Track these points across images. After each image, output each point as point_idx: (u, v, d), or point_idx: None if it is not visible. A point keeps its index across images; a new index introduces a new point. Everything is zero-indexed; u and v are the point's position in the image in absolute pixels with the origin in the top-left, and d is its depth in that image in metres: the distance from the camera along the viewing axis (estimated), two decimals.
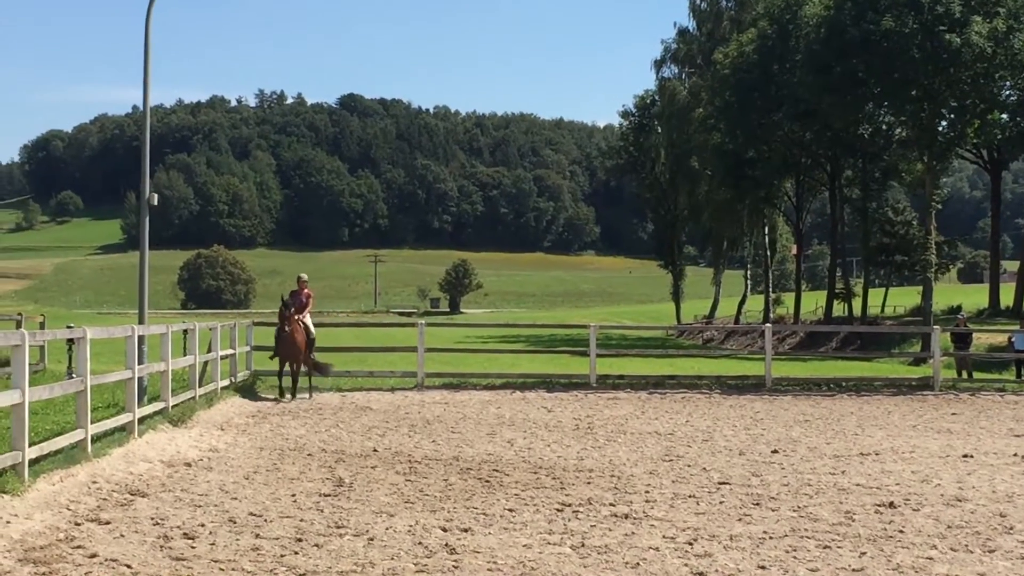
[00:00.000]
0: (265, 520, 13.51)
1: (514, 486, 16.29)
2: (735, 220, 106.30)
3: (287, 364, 30.62)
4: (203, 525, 13.17)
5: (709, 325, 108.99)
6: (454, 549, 12.02)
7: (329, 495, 15.36)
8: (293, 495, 15.31)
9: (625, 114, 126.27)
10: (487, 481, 16.73)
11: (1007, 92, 76.91)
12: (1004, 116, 77.83)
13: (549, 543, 12.40)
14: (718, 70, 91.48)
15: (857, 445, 21.76)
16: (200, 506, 14.39)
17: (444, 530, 13.05)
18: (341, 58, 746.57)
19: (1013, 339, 43.17)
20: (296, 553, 11.81)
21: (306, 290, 31.53)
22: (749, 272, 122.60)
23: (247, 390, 31.20)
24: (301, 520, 13.54)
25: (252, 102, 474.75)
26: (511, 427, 24.38)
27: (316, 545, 12.18)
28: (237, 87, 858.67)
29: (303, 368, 31.28)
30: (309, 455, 19.40)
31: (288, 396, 30.26)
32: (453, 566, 11.26)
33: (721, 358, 56.59)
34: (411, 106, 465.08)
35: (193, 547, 12.03)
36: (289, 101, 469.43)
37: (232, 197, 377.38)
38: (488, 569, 11.14)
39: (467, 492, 15.73)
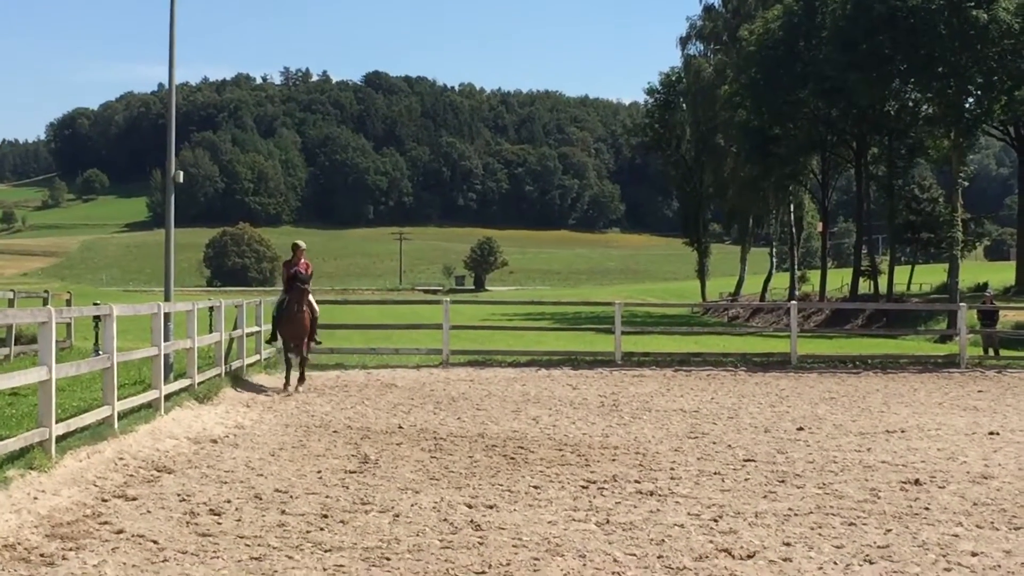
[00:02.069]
0: (291, 496, 13.55)
1: (539, 463, 16.30)
2: (760, 197, 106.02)
3: (292, 346, 27.28)
4: (229, 501, 13.21)
5: (735, 302, 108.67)
6: (479, 526, 12.04)
7: (355, 472, 15.39)
8: (319, 472, 15.35)
9: (650, 91, 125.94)
10: (512, 458, 16.75)
11: None
12: None
13: (574, 520, 12.42)
14: (743, 47, 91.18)
15: (883, 422, 21.73)
16: (226, 482, 14.44)
17: (469, 507, 13.07)
18: (366, 35, 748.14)
19: None
20: (322, 529, 11.84)
21: (304, 260, 27.21)
22: (775, 250, 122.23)
23: (274, 366, 31.21)
24: (327, 496, 13.57)
25: (277, 80, 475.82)
26: (536, 404, 24.39)
27: (342, 522, 12.22)
28: (263, 65, 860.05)
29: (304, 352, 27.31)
30: (335, 432, 19.44)
31: (291, 387, 26.65)
32: (478, 542, 11.28)
33: (747, 335, 56.51)
34: (436, 83, 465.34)
35: (219, 523, 12.07)
36: (314, 79, 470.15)
37: (257, 175, 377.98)
38: (513, 545, 11.16)
39: (492, 469, 15.75)
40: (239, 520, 12.23)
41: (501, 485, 14.47)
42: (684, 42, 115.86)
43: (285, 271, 27.28)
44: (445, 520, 12.31)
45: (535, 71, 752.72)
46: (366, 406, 23.37)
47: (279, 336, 27.68)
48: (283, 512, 12.66)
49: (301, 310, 26.46)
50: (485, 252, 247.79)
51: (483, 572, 10.17)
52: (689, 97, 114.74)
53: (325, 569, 10.26)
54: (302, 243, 27.70)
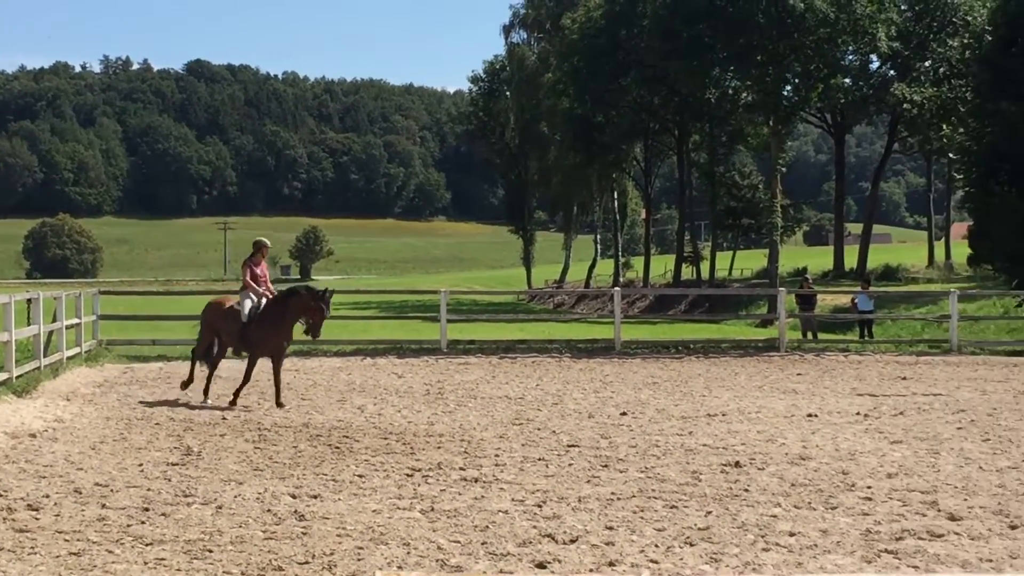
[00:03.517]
0: (111, 490, 13.36)
1: (364, 452, 16.27)
2: (585, 185, 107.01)
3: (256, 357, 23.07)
4: (48, 496, 12.99)
5: (560, 289, 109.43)
6: (303, 516, 11.98)
7: (177, 464, 15.22)
8: (140, 464, 15.14)
9: (475, 80, 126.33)
10: (337, 447, 16.70)
11: (850, 57, 78.24)
12: (847, 80, 78.97)
13: (399, 508, 12.42)
14: (566, 35, 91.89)
15: (704, 406, 22.04)
16: (45, 477, 14.18)
17: (293, 497, 13.00)
18: (187, 23, 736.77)
19: (856, 300, 43.92)
20: (143, 523, 11.69)
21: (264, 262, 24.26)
22: (599, 237, 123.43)
23: (95, 359, 30.69)
24: (148, 489, 13.41)
25: (97, 68, 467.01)
26: (362, 393, 24.35)
27: (163, 514, 12.08)
28: (82, 53, 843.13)
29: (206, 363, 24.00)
30: (157, 424, 19.20)
31: (207, 397, 22.93)
32: (302, 532, 11.23)
33: (571, 322, 56.87)
34: (259, 72, 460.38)
35: (37, 519, 11.87)
36: (135, 67, 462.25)
37: (78, 165, 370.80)
38: (337, 535, 11.13)
39: (317, 458, 15.68)
40: (58, 515, 12.04)
41: (326, 475, 14.41)
42: (508, 30, 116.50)
43: (248, 271, 23.69)
44: (269, 511, 12.23)
45: (359, 59, 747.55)
46: (189, 397, 23.08)
47: (254, 345, 22.98)
48: (103, 506, 12.48)
49: (294, 322, 23.09)
50: (311, 241, 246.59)
51: (306, 562, 10.13)
52: (513, 85, 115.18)
53: (146, 563, 10.13)
54: (267, 241, 24.95)
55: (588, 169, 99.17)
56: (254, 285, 23.24)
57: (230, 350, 24.56)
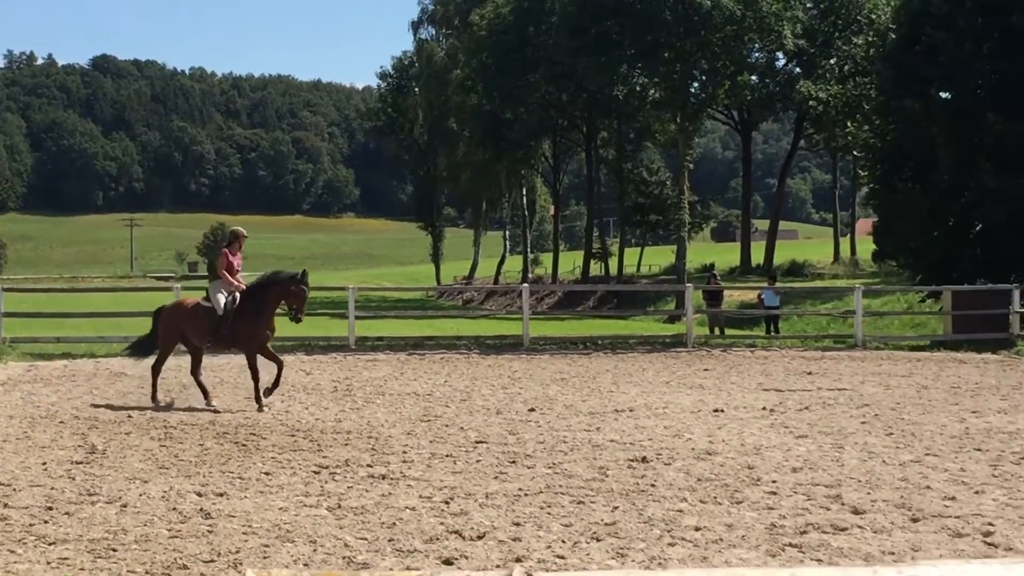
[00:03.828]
0: (14, 489, 13.19)
1: (271, 449, 16.19)
2: (493, 181, 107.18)
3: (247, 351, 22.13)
4: None
5: (469, 286, 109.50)
6: (209, 514, 11.89)
7: (81, 462, 15.05)
8: (44, 463, 14.96)
9: (383, 76, 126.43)
10: (244, 445, 16.60)
11: (756, 54, 79.02)
12: (753, 78, 79.77)
13: (305, 505, 12.37)
14: (475, 32, 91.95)
15: (612, 402, 22.12)
16: None
17: (199, 495, 12.89)
18: (93, 18, 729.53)
19: (763, 296, 44.25)
20: (46, 522, 11.56)
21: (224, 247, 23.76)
22: (508, 233, 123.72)
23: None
24: (52, 488, 13.25)
25: (0, 63, 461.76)
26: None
27: (67, 513, 11.94)
28: None
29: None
30: (61, 422, 18.99)
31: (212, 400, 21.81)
32: (208, 531, 11.15)
33: (480, 318, 56.99)
34: (166, 67, 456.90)
35: None
36: (39, 62, 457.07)
37: None
38: (243, 533, 11.06)
39: (223, 456, 15.58)
40: None
41: (232, 472, 14.31)
42: (416, 26, 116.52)
43: (225, 260, 22.82)
44: (174, 509, 12.13)
45: (267, 56, 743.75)
46: (94, 396, 22.87)
47: (243, 340, 21.98)
48: (5, 506, 12.32)
49: (275, 310, 22.32)
50: (218, 238, 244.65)
51: (212, 560, 10.07)
52: (422, 82, 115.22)
53: (49, 563, 10.03)
54: (243, 230, 24.49)
55: (497, 165, 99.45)
56: (228, 276, 22.41)
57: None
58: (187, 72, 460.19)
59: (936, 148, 44.30)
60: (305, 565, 9.91)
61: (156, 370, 22.39)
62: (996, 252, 44.66)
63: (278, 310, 22.36)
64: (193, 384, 22.12)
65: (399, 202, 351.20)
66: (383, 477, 14.03)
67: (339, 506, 12.32)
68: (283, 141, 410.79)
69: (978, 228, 45.80)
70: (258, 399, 21.18)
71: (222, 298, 22.06)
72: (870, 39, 72.39)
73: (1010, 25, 43.15)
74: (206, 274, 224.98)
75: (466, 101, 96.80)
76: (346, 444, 16.74)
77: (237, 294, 22.18)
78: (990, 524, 11.53)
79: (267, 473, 14.28)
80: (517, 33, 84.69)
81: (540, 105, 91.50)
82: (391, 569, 9.86)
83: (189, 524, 11.46)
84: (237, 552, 10.33)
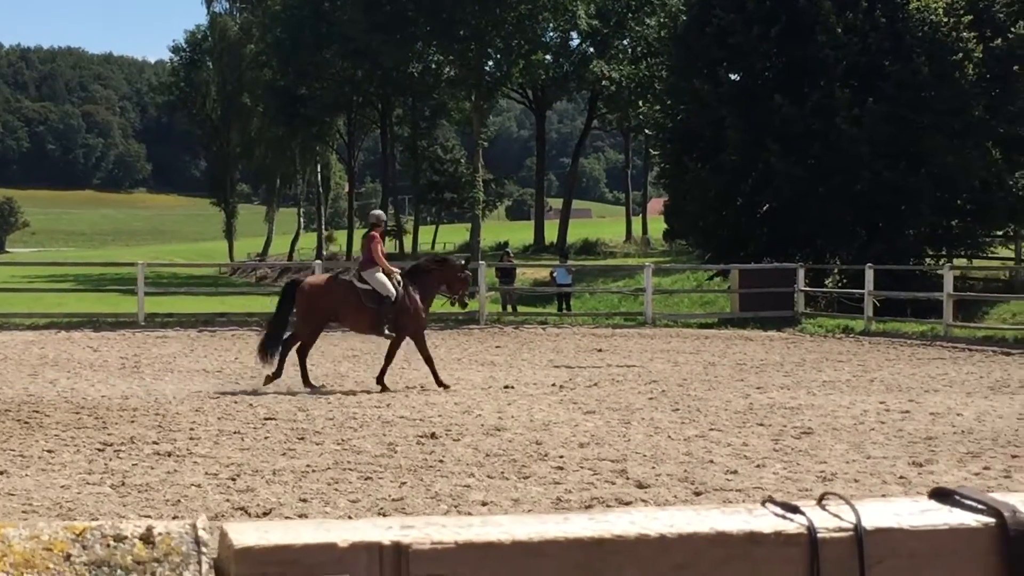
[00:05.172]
0: None
1: (55, 427, 15.88)
2: (288, 158, 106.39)
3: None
4: None
5: (262, 263, 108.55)
6: None
7: None
8: None
9: (176, 50, 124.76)
10: (26, 422, 16.25)
11: (551, 34, 79.39)
12: (547, 57, 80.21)
13: (88, 483, 12.16)
14: (269, 6, 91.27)
15: (403, 379, 22.15)
16: None
17: None
18: None
19: (555, 274, 44.72)
20: None
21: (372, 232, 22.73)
22: (303, 210, 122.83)
23: None
24: None
25: None
26: (55, 367, 23.79)
27: None
28: None
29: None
30: None
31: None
32: None
33: (272, 295, 56.47)
34: None
35: None
36: None
37: None
38: (23, 511, 10.84)
39: (4, 434, 15.22)
40: None
41: (13, 450, 14.00)
42: (209, 0, 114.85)
43: (379, 246, 22.22)
44: None
45: (56, 27, 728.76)
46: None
47: (412, 324, 21.82)
48: None
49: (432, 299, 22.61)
50: (5, 213, 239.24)
51: None
52: (215, 56, 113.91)
53: None
54: (383, 214, 24.17)
55: (291, 142, 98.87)
56: (387, 263, 21.98)
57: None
58: None
59: (725, 129, 45.05)
60: None
61: (303, 354, 21.36)
62: (782, 232, 45.63)
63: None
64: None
65: (192, 178, 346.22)
66: (169, 454, 13.86)
67: (123, 483, 12.14)
68: (73, 115, 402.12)
69: (765, 208, 46.72)
70: (439, 381, 21.06)
71: (389, 284, 21.52)
72: (662, 20, 73.12)
73: (798, 8, 44.02)
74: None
75: (260, 76, 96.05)
76: (132, 421, 16.50)
77: (398, 278, 21.72)
78: (770, 497, 11.79)
79: (50, 451, 14.01)
80: (312, 8, 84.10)
81: (335, 81, 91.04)
82: None
83: None
84: None
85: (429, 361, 21.33)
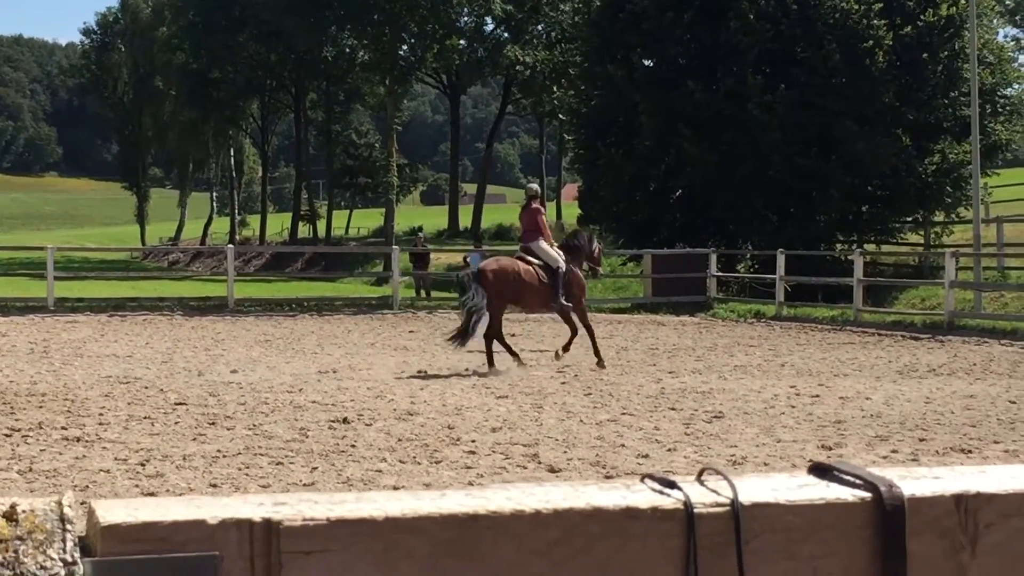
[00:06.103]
0: None
1: None
2: (201, 141, 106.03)
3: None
4: None
5: (174, 247, 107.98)
6: None
7: None
8: None
9: (87, 32, 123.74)
10: None
11: (465, 19, 79.32)
12: (462, 42, 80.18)
13: None
14: None
15: (316, 364, 22.07)
16: None
17: None
18: None
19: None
20: None
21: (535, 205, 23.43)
22: (216, 194, 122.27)
23: None
24: None
25: None
26: None
27: None
28: None
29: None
30: None
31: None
32: None
33: (185, 280, 56.28)
34: None
35: None
36: None
37: None
38: None
39: None
40: None
41: None
42: None
43: (543, 219, 23.11)
44: None
45: None
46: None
47: (580, 295, 22.96)
48: None
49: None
50: None
51: None
52: (127, 39, 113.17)
53: None
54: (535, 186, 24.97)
55: (204, 126, 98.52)
56: (549, 233, 22.72)
57: None
58: None
59: (639, 115, 45.26)
60: None
61: (500, 336, 21.91)
62: (695, 217, 45.95)
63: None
64: None
65: (104, 162, 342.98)
66: (78, 440, 13.71)
67: (30, 469, 12.01)
68: None
69: (678, 193, 47.00)
70: (598, 355, 21.91)
71: (558, 255, 22.07)
72: (576, 6, 73.23)
73: None
74: None
75: (173, 60, 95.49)
76: (40, 406, 16.31)
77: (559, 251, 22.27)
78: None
79: None
80: None
81: (248, 65, 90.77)
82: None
83: None
84: None
85: (591, 335, 22.15)
